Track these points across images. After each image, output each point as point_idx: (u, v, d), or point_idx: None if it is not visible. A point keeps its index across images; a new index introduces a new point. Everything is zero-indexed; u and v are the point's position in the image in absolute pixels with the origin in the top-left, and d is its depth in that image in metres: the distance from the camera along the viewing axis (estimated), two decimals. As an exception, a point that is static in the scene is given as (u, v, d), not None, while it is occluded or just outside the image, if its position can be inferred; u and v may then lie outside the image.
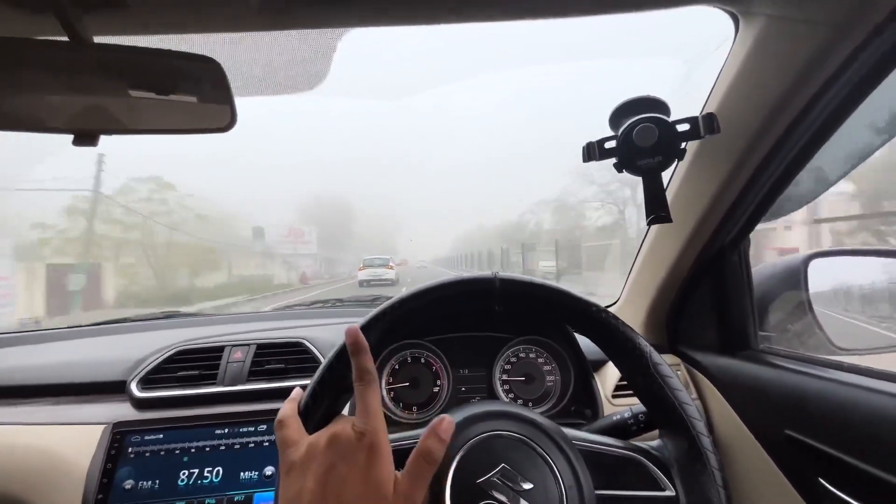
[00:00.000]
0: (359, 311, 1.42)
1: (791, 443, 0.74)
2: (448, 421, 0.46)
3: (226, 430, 0.84)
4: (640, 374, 0.55)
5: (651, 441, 0.56)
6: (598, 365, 1.03)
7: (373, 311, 0.57)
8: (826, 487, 0.67)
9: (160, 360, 0.95)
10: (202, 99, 0.56)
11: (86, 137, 0.52)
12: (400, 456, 0.54)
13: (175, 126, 0.55)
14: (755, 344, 0.91)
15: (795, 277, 0.91)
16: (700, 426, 0.51)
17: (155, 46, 0.54)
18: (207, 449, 0.82)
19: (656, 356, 0.54)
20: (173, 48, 0.54)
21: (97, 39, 0.52)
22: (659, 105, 0.65)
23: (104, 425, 0.83)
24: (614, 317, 0.56)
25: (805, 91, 0.58)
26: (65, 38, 0.51)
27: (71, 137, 0.52)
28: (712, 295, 0.94)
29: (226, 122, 0.56)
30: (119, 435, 0.82)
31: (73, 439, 0.83)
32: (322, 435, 0.45)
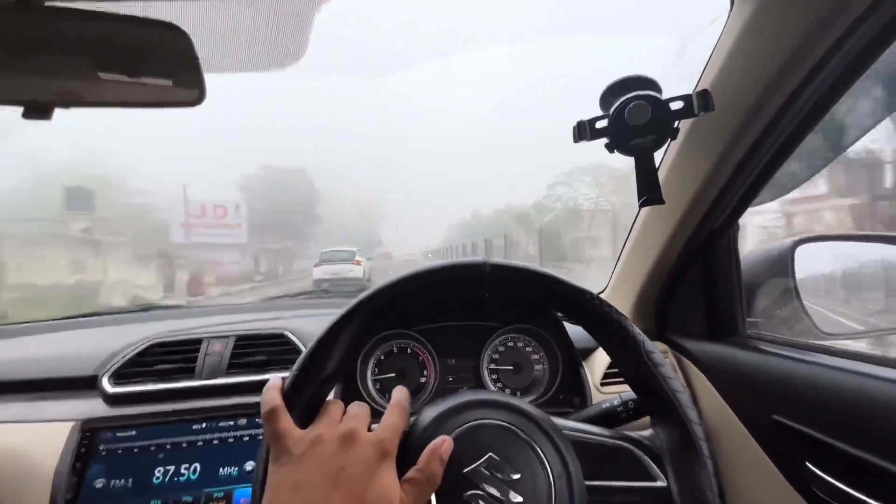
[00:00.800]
0: (341, 301, 1.39)
1: (778, 427, 0.73)
2: (448, 443, 0.46)
3: (204, 426, 0.81)
4: (632, 363, 0.54)
5: (642, 430, 0.55)
6: (587, 353, 1.02)
7: (359, 297, 0.54)
8: (812, 471, 0.67)
9: (134, 353, 0.91)
10: (167, 70, 0.52)
11: (38, 110, 0.48)
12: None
13: (138, 99, 0.51)
14: (743, 330, 0.91)
15: (783, 263, 0.91)
16: (693, 415, 0.50)
17: (114, 12, 0.49)
18: (184, 445, 0.79)
19: (649, 344, 0.53)
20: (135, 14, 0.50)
21: (49, 3, 0.48)
22: (650, 84, 0.63)
23: (73, 422, 0.79)
24: (607, 304, 0.54)
25: (800, 69, 0.57)
26: (11, 1, 0.46)
27: (20, 110, 0.48)
28: (701, 281, 0.94)
29: (194, 96, 0.52)
30: (89, 432, 0.78)
31: (40, 438, 0.78)
32: (333, 431, 0.44)
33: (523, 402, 0.54)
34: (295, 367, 0.52)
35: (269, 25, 0.62)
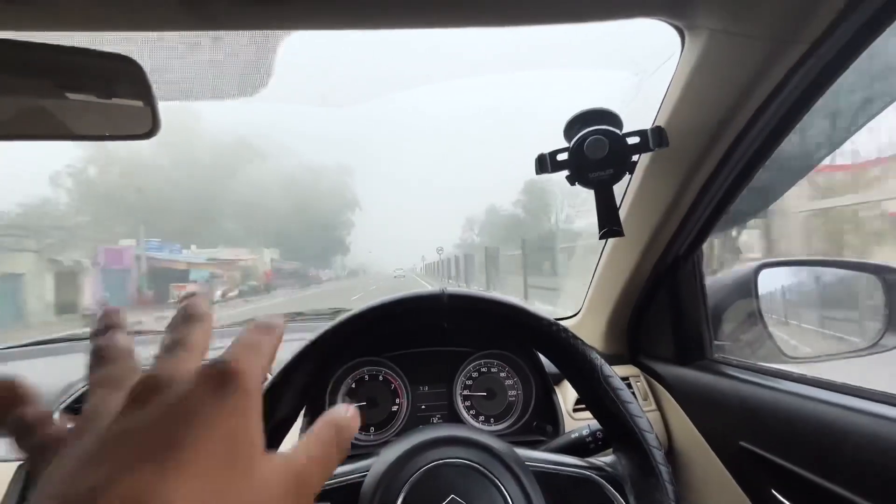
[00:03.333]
0: (315, 325, 1.36)
1: (745, 453, 0.74)
2: (353, 412, 0.27)
3: None
4: (591, 388, 0.54)
5: (604, 458, 0.55)
6: (559, 378, 1.01)
7: (314, 335, 0.53)
8: (778, 499, 0.68)
9: (84, 388, 0.87)
10: (120, 102, 0.51)
11: (-22, 143, 0.46)
12: (336, 495, 0.50)
13: (87, 131, 0.50)
14: (710, 353, 0.92)
15: (746, 287, 0.93)
16: (651, 439, 0.50)
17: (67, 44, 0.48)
18: None
19: (607, 368, 0.53)
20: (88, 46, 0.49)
21: None
22: (611, 117, 0.65)
23: (18, 462, 0.74)
24: (564, 330, 0.54)
25: (749, 104, 0.59)
26: None
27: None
28: (668, 306, 0.95)
29: (147, 127, 0.51)
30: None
31: None
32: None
33: (488, 437, 0.54)
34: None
35: (230, 58, 0.61)
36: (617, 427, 0.52)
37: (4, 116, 0.47)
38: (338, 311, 1.53)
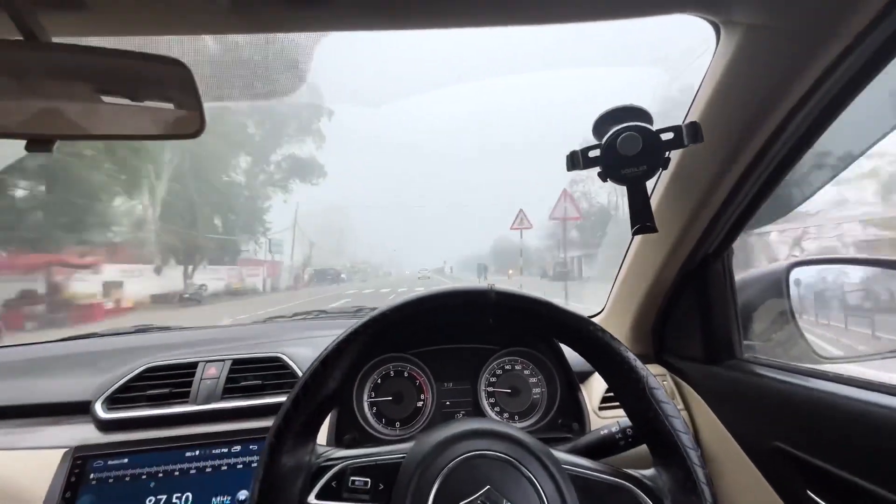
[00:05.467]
0: (341, 322, 1.39)
1: (779, 454, 0.73)
2: None
3: (197, 452, 0.79)
4: (634, 397, 0.53)
5: (644, 470, 0.54)
6: (584, 376, 1.01)
7: (365, 317, 0.54)
8: (814, 499, 0.66)
9: (128, 378, 0.90)
10: (168, 104, 0.53)
11: (40, 143, 0.49)
12: (370, 471, 0.52)
13: (138, 132, 0.52)
14: (740, 353, 0.91)
15: (778, 286, 0.91)
16: (696, 457, 0.49)
17: (118, 47, 0.51)
18: (177, 473, 0.77)
19: (653, 380, 0.53)
20: (138, 50, 0.52)
21: (55, 40, 0.49)
22: (642, 114, 0.65)
23: (64, 450, 0.78)
24: (611, 336, 0.54)
25: (787, 100, 0.58)
26: (19, 38, 0.47)
27: (23, 143, 0.49)
28: (696, 304, 0.94)
29: (194, 128, 0.53)
30: (80, 460, 0.76)
31: (30, 466, 0.77)
32: None
33: (522, 433, 0.54)
34: (296, 385, 0.52)
35: (268, 58, 0.63)
36: (659, 440, 0.52)
37: (63, 118, 0.50)
38: (359, 310, 1.55)
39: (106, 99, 0.52)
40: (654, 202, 0.84)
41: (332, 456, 0.53)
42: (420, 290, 0.56)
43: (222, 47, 0.63)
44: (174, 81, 0.52)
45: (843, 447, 0.63)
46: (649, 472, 0.54)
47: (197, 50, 0.60)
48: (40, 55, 0.48)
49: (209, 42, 0.60)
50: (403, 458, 0.52)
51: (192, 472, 0.78)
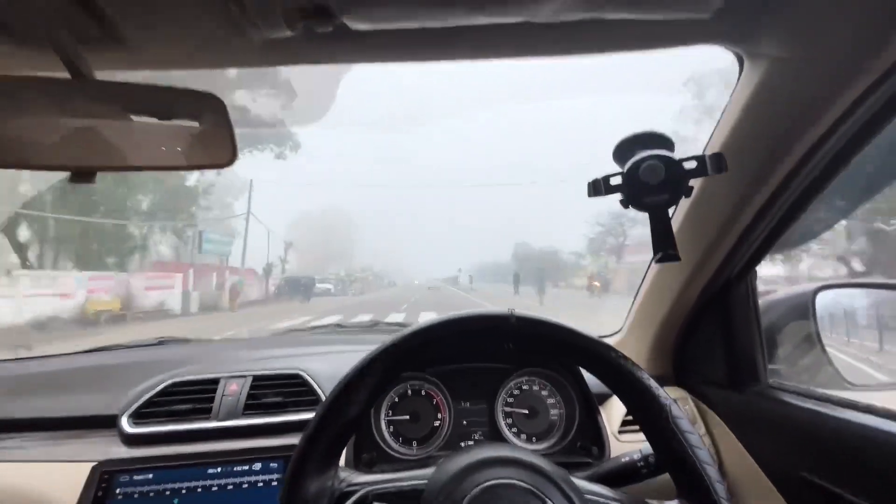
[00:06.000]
0: (358, 337, 1.40)
1: (807, 485, 0.71)
2: None
3: (219, 469, 0.81)
4: (657, 426, 0.53)
5: (668, 501, 0.53)
6: (603, 398, 1.00)
7: (386, 341, 0.55)
8: None
9: (153, 393, 0.92)
10: (203, 135, 0.55)
11: (83, 175, 0.51)
12: (391, 498, 0.52)
13: (174, 162, 0.54)
14: (765, 379, 0.89)
15: (804, 310, 0.90)
16: (722, 490, 0.49)
17: (155, 81, 0.53)
18: (199, 490, 0.79)
19: (676, 409, 0.52)
20: (175, 82, 0.54)
21: (98, 75, 0.52)
22: (663, 140, 0.65)
23: (92, 464, 0.80)
24: (633, 363, 0.54)
25: (810, 133, 0.58)
26: (65, 75, 0.50)
27: (67, 174, 0.51)
28: (719, 328, 0.92)
29: (227, 157, 0.55)
30: (107, 475, 0.78)
31: (59, 479, 0.79)
32: None
33: (543, 461, 0.54)
34: (319, 409, 0.53)
35: (298, 88, 0.65)
36: (683, 471, 0.51)
37: (104, 150, 0.52)
38: (375, 324, 1.56)
39: (144, 131, 0.54)
40: (675, 225, 0.83)
41: (355, 481, 0.53)
42: (433, 316, 0.56)
43: (250, 77, 0.65)
44: (208, 113, 0.54)
45: (875, 481, 0.61)
46: (673, 503, 0.53)
47: (228, 81, 0.62)
48: (84, 92, 0.51)
49: (239, 73, 0.63)
50: (425, 484, 0.52)
51: (214, 489, 0.79)
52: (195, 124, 0.54)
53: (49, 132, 0.50)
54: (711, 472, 0.49)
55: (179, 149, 0.54)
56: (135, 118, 0.53)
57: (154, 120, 0.54)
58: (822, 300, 0.88)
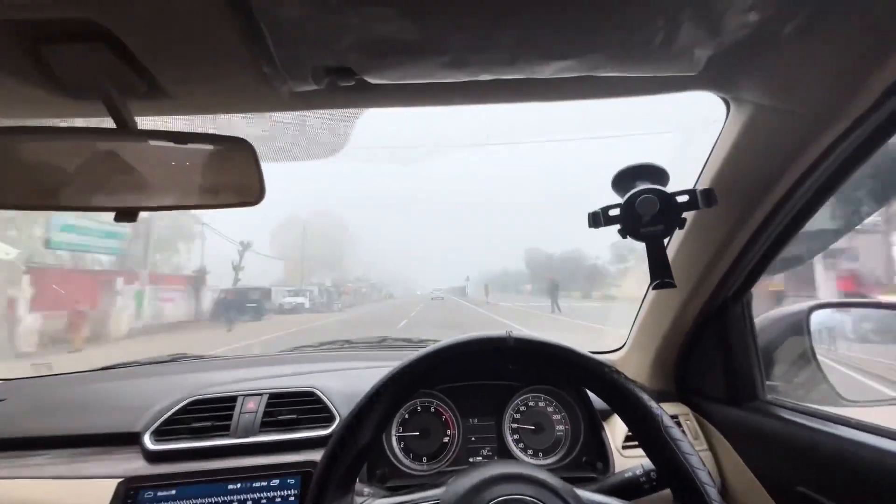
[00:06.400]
0: (366, 353, 1.43)
1: (803, 500, 0.73)
2: None
3: (238, 486, 0.84)
4: (651, 437, 0.56)
5: None
6: (607, 414, 1.03)
7: (393, 369, 0.59)
8: None
9: (174, 410, 0.96)
10: (234, 176, 0.60)
11: (127, 214, 0.56)
12: None
13: (208, 202, 0.59)
14: (762, 395, 0.92)
15: (798, 328, 0.93)
16: (713, 493, 0.52)
17: (192, 126, 0.58)
18: None
19: (667, 419, 0.56)
20: (211, 125, 0.59)
21: (140, 122, 0.57)
22: (658, 172, 0.70)
23: (117, 480, 0.83)
24: (626, 378, 0.58)
25: (792, 171, 0.63)
26: (111, 124, 0.55)
27: (112, 214, 0.56)
28: (717, 346, 0.96)
29: (255, 196, 0.60)
30: (132, 491, 0.82)
31: (85, 495, 0.82)
32: None
33: (550, 476, 0.57)
34: (332, 439, 0.57)
35: (315, 128, 0.71)
36: (678, 479, 0.54)
37: (145, 193, 0.57)
38: (383, 340, 1.60)
39: (179, 174, 0.59)
40: (672, 250, 0.88)
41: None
42: (444, 340, 0.60)
43: (276, 119, 0.71)
44: (239, 156, 0.59)
45: (868, 497, 0.64)
46: None
47: (255, 122, 0.68)
48: (128, 140, 0.56)
49: (265, 116, 0.68)
50: (437, 503, 0.55)
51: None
52: (227, 166, 0.59)
53: (96, 177, 0.55)
54: (703, 475, 0.52)
55: (211, 190, 0.59)
56: (171, 162, 0.59)
57: (189, 163, 0.59)
58: (816, 318, 0.92)
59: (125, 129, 0.55)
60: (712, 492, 0.52)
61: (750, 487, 0.85)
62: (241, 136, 0.58)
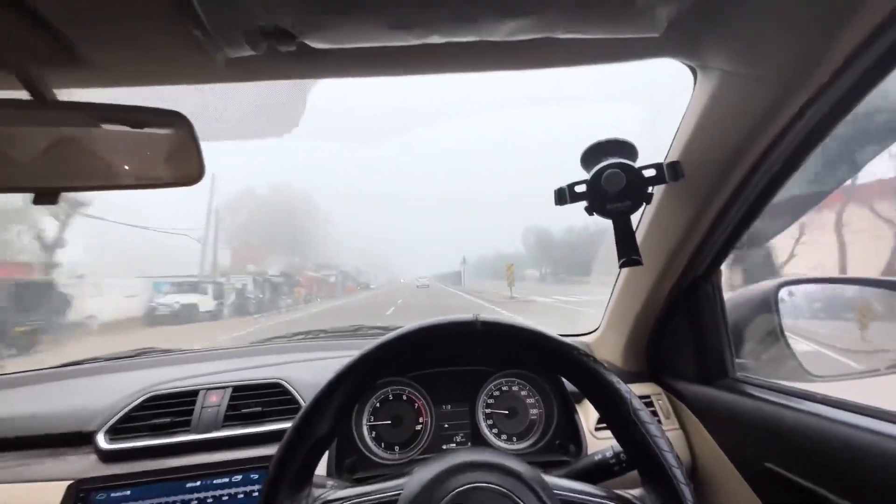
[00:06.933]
0: (339, 343, 1.40)
1: (771, 475, 0.74)
2: None
3: (198, 483, 0.80)
4: (620, 420, 0.55)
5: (633, 490, 0.56)
6: (580, 397, 1.02)
7: (355, 356, 0.56)
8: None
9: (130, 407, 0.91)
10: (169, 153, 0.55)
11: (47, 196, 0.51)
12: None
13: (141, 181, 0.54)
14: (732, 372, 0.93)
15: (767, 305, 0.93)
16: (680, 475, 0.51)
17: (119, 100, 0.53)
18: None
19: (637, 402, 0.55)
20: (139, 98, 0.54)
21: (59, 94, 0.52)
22: (626, 147, 0.67)
23: (67, 482, 0.79)
24: (594, 360, 0.56)
25: (761, 140, 0.61)
26: (26, 96, 0.50)
27: (31, 196, 0.51)
28: (688, 325, 0.95)
29: (194, 175, 0.55)
30: (83, 493, 0.77)
31: (33, 499, 0.78)
32: None
33: (516, 462, 0.56)
34: (289, 430, 0.54)
35: (265, 101, 0.66)
36: (646, 460, 0.53)
37: (67, 171, 0.52)
38: (358, 329, 1.56)
39: (108, 151, 0.54)
40: (641, 228, 0.86)
41: (329, 498, 0.54)
42: (408, 324, 0.57)
43: (216, 91, 0.66)
44: (174, 131, 0.54)
45: (834, 471, 0.64)
46: (638, 491, 0.56)
47: (193, 96, 0.62)
48: (47, 113, 0.51)
49: (203, 88, 0.63)
50: (398, 495, 0.53)
51: (194, 502, 0.79)
52: (161, 143, 0.54)
53: (10, 154, 0.50)
54: (670, 458, 0.51)
55: (144, 168, 0.54)
56: (98, 138, 0.53)
57: (118, 140, 0.54)
58: (784, 295, 0.92)
59: (40, 99, 0.49)
60: (679, 473, 0.51)
61: (720, 465, 0.86)
62: (176, 109, 0.53)
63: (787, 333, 0.92)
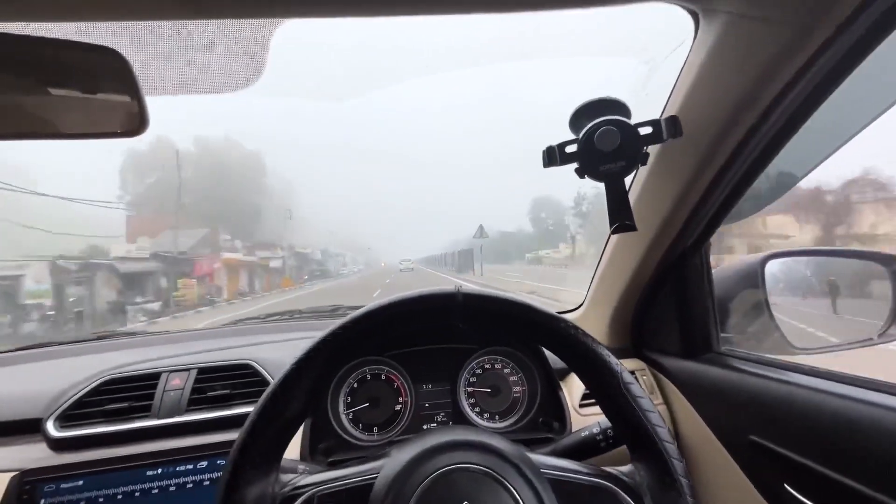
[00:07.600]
0: (314, 323, 1.34)
1: (755, 448, 0.73)
2: None
3: (159, 471, 0.75)
4: (610, 394, 0.52)
5: (622, 466, 0.53)
6: (564, 374, 1.00)
7: (326, 331, 0.51)
8: (792, 493, 0.67)
9: (83, 392, 0.84)
10: (108, 99, 0.48)
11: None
12: (345, 497, 0.49)
13: (72, 129, 0.47)
14: (717, 346, 0.91)
15: (753, 278, 0.92)
16: (673, 450, 0.49)
17: (48, 35, 0.45)
18: (137, 494, 0.73)
19: (627, 375, 0.52)
20: (73, 38, 0.46)
21: None
22: (619, 107, 0.63)
23: (11, 473, 0.72)
24: (584, 333, 0.53)
25: (768, 91, 0.57)
26: None
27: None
28: (675, 298, 0.94)
29: (135, 124, 0.48)
30: (29, 485, 0.71)
31: None
32: None
33: (499, 440, 0.52)
34: (252, 412, 0.49)
35: (222, 49, 0.58)
36: (636, 435, 0.51)
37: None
38: (336, 309, 1.51)
39: (34, 93, 0.46)
40: (632, 197, 0.82)
41: (299, 484, 0.49)
42: (386, 297, 0.52)
43: (169, 36, 0.58)
44: (110, 74, 0.47)
45: (818, 441, 0.63)
46: (627, 468, 0.53)
47: (139, 40, 0.54)
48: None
49: (154, 30, 0.55)
50: (375, 478, 0.49)
51: (155, 491, 0.74)
52: (94, 85, 0.46)
53: None
54: (662, 433, 0.49)
55: (76, 114, 0.47)
56: (21, 77, 0.46)
57: (44, 79, 0.46)
58: (770, 269, 0.90)
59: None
60: (671, 449, 0.49)
61: (704, 440, 0.85)
62: (110, 46, 0.46)
63: (772, 306, 0.91)
